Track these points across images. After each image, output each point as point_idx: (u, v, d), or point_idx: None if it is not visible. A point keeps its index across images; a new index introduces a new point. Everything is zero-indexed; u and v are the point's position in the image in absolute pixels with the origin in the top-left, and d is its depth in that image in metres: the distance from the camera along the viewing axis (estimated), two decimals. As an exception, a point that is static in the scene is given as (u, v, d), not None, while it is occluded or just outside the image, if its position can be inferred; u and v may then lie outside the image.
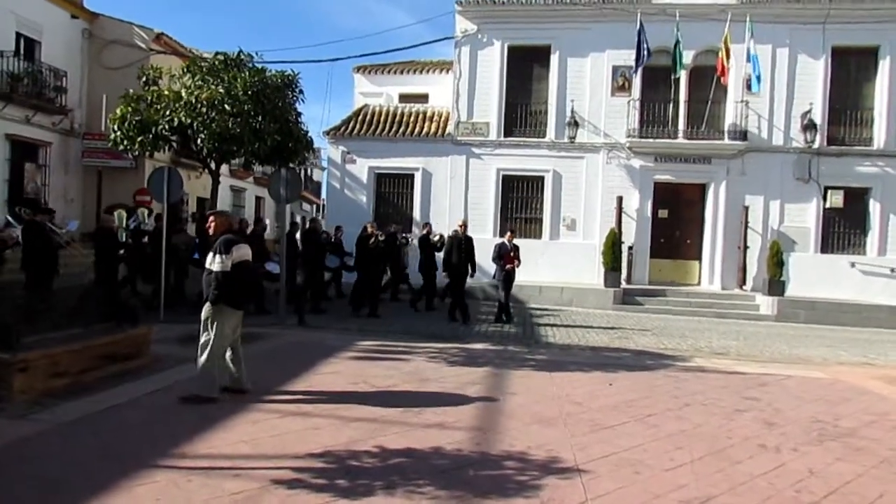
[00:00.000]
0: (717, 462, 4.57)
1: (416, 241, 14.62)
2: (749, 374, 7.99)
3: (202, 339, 5.71)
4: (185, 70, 8.19)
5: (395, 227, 14.37)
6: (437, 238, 14.37)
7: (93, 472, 4.01)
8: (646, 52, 15.81)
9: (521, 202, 17.78)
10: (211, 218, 6.11)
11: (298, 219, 34.73)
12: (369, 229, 12.12)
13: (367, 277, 11.94)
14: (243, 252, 5.78)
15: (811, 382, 7.67)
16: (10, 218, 9.18)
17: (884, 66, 16.49)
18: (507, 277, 11.56)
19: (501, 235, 16.22)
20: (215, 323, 5.65)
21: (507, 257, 11.44)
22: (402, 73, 21.25)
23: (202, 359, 5.65)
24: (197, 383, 5.66)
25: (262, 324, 10.23)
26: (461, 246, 11.54)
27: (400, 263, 13.60)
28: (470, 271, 11.88)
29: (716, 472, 4.36)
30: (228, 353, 5.87)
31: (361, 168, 18.17)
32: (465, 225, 12.06)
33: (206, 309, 5.68)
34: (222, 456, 4.35)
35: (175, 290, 11.49)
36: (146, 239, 11.81)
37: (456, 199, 17.70)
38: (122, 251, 11.06)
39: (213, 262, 5.62)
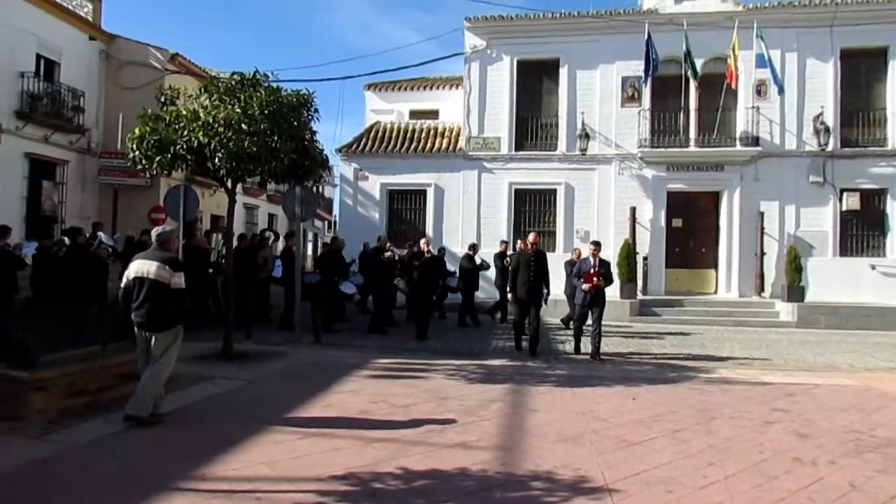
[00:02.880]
0: (752, 478, 4.42)
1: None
2: (775, 383, 7.82)
3: None
4: (203, 90, 8.22)
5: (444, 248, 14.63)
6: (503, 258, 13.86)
7: (111, 495, 3.94)
8: (654, 62, 15.76)
9: (533, 215, 17.67)
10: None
11: (311, 235, 34.85)
12: (423, 247, 11.81)
13: (419, 297, 11.76)
14: (140, 269, 5.57)
15: (841, 390, 7.49)
16: (23, 239, 9.51)
17: (894, 66, 16.31)
18: (586, 299, 9.73)
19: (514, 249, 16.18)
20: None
21: (586, 275, 9.71)
22: (412, 89, 21.30)
23: None
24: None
25: (278, 342, 10.20)
26: (530, 263, 9.83)
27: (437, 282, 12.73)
28: (544, 291, 10.02)
29: (752, 488, 4.22)
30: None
31: (374, 184, 18.18)
32: (536, 241, 10.25)
33: None
34: (243, 478, 4.27)
35: (256, 309, 11.73)
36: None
37: (468, 214, 17.64)
38: (210, 270, 11.93)
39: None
